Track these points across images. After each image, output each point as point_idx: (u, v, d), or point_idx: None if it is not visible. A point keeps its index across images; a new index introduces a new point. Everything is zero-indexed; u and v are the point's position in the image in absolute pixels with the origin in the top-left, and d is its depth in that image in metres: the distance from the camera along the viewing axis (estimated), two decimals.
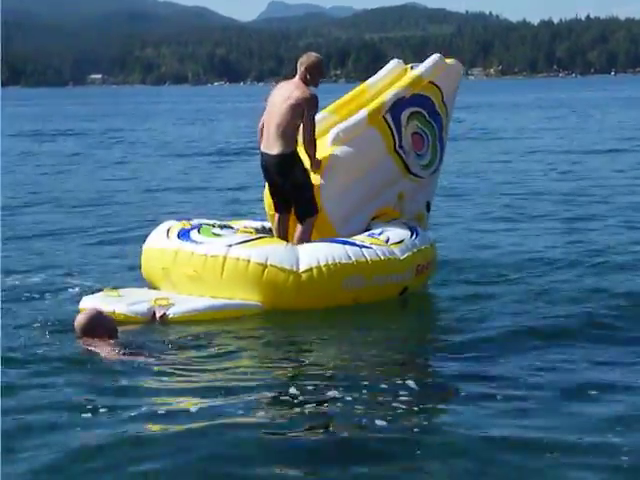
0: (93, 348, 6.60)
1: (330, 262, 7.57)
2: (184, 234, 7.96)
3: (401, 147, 8.54)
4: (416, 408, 5.51)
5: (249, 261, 7.54)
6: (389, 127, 8.47)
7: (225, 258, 7.60)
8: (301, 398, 5.66)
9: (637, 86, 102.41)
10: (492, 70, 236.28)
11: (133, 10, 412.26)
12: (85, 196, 16.53)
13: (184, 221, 8.25)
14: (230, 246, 7.66)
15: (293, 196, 8.18)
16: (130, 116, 54.53)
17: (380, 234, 8.07)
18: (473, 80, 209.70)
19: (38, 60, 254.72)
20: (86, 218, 13.79)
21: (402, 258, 7.91)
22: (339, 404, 5.57)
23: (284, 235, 8.30)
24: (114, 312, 7.31)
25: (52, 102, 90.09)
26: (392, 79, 8.96)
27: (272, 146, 8.09)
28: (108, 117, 53.18)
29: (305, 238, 8.11)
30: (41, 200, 16.14)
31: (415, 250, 8.06)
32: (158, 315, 7.36)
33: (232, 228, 8.41)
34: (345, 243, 7.83)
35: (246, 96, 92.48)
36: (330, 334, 7.27)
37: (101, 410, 5.48)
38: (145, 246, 8.31)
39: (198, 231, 7.99)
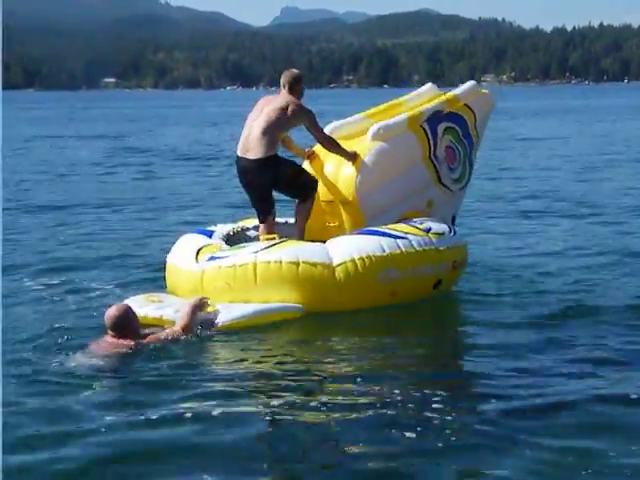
0: (117, 347, 6.64)
1: (364, 255, 7.62)
2: (212, 258, 7.96)
3: (435, 156, 8.74)
4: (442, 420, 5.45)
5: (281, 262, 7.55)
6: (426, 135, 8.69)
7: (255, 265, 7.59)
8: (327, 407, 5.63)
9: None
10: (505, 77, 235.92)
11: (147, 14, 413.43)
12: (109, 200, 16.62)
13: (213, 245, 8.18)
14: (256, 252, 7.67)
15: (284, 190, 8.30)
16: (155, 120, 54.63)
17: (421, 223, 8.17)
18: (486, 86, 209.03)
19: (52, 63, 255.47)
20: (111, 222, 13.94)
21: (441, 249, 8.01)
22: (368, 411, 5.55)
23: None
24: (161, 317, 7.31)
25: (68, 105, 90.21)
26: (427, 99, 9.26)
27: (252, 150, 8.05)
28: (134, 121, 53.28)
29: (306, 213, 8.27)
30: (64, 204, 16.24)
31: (453, 244, 8.18)
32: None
33: (249, 229, 8.59)
34: (378, 234, 7.86)
35: None
36: (360, 340, 7.23)
37: (121, 413, 5.55)
38: (169, 263, 8.31)
39: (222, 250, 8.02)
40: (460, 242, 8.39)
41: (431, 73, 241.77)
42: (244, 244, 8.13)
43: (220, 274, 7.71)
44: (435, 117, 8.81)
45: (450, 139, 8.90)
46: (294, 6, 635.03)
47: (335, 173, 8.39)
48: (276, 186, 8.24)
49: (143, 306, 7.50)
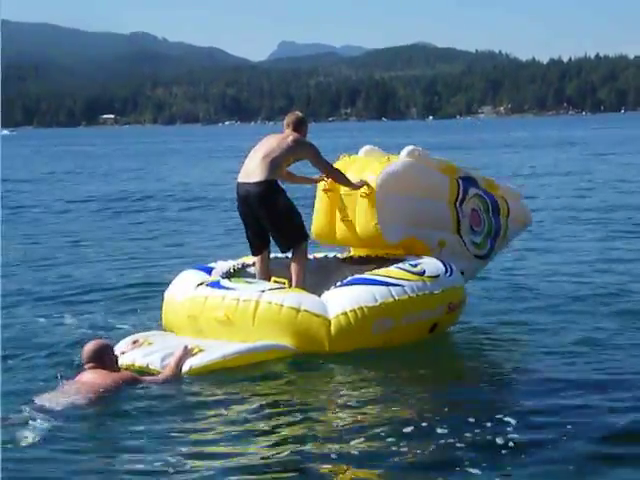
0: (95, 377, 6.60)
1: (356, 307, 7.49)
2: (214, 284, 7.94)
3: (460, 207, 8.70)
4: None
5: (282, 305, 7.48)
6: (458, 186, 8.69)
7: (258, 302, 7.54)
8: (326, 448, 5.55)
9: None
10: (502, 108, 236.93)
11: (145, 51, 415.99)
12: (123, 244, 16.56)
13: (213, 276, 8.17)
14: (263, 292, 7.62)
15: (277, 226, 8.04)
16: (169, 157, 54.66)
17: (415, 266, 7.98)
18: (483, 118, 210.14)
19: (51, 101, 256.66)
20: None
21: (436, 293, 7.82)
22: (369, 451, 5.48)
23: (266, 274, 8.24)
24: (147, 366, 7.16)
25: (84, 142, 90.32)
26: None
27: (253, 174, 7.98)
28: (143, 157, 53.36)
29: (302, 269, 8.05)
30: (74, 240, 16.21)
31: (449, 287, 7.96)
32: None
33: (250, 266, 8.41)
34: (371, 282, 7.71)
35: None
36: (359, 376, 7.12)
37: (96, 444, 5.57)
38: (167, 297, 8.22)
39: (229, 279, 8.02)
40: (457, 283, 8.12)
41: (428, 105, 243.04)
42: (253, 280, 8.09)
43: (222, 304, 7.66)
44: (470, 181, 8.85)
45: (479, 205, 8.88)
46: (291, 40, 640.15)
47: (361, 170, 8.38)
48: (271, 218, 8.04)
49: (130, 351, 7.40)
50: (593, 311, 9.09)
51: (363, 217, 8.28)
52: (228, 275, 8.28)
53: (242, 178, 8.09)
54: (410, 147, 8.54)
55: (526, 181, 25.33)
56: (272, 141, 8.15)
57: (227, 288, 7.80)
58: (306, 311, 7.47)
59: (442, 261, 8.16)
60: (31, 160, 52.05)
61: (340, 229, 8.48)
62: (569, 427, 5.76)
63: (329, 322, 7.48)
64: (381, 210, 8.21)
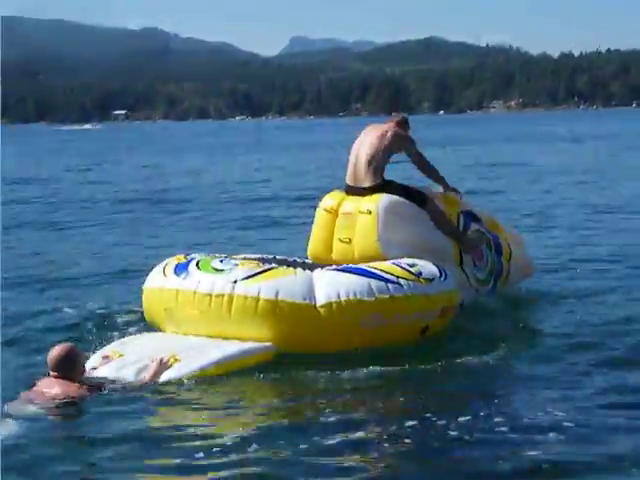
0: (61, 388, 6.33)
1: (351, 297, 7.19)
2: (181, 268, 7.62)
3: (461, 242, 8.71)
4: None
5: (259, 298, 7.13)
6: (458, 220, 8.75)
7: (231, 297, 7.17)
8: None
9: None
10: (513, 103, 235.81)
11: (156, 46, 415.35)
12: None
13: (179, 255, 7.92)
14: (235, 282, 7.23)
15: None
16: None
17: (412, 266, 7.76)
18: (494, 112, 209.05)
19: (62, 97, 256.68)
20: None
21: (431, 295, 7.63)
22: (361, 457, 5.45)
23: None
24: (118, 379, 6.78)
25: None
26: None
27: (363, 180, 8.34)
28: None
29: None
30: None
31: (443, 291, 7.79)
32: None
33: (233, 260, 7.85)
34: (369, 275, 7.45)
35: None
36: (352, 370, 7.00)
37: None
38: (145, 286, 7.96)
39: (197, 265, 7.59)
40: (450, 287, 7.91)
41: (440, 100, 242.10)
42: (222, 266, 7.56)
43: (195, 301, 7.33)
44: (472, 216, 8.92)
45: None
46: (303, 35, 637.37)
47: (366, 197, 8.32)
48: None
49: (101, 366, 7.00)
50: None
51: (363, 235, 8.15)
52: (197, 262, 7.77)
53: (352, 181, 8.43)
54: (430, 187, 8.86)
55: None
56: (372, 140, 8.43)
57: (197, 280, 7.41)
58: (284, 301, 7.12)
59: (436, 265, 7.99)
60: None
61: (337, 249, 8.31)
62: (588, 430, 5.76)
63: (313, 309, 7.15)
64: (381, 228, 8.12)
